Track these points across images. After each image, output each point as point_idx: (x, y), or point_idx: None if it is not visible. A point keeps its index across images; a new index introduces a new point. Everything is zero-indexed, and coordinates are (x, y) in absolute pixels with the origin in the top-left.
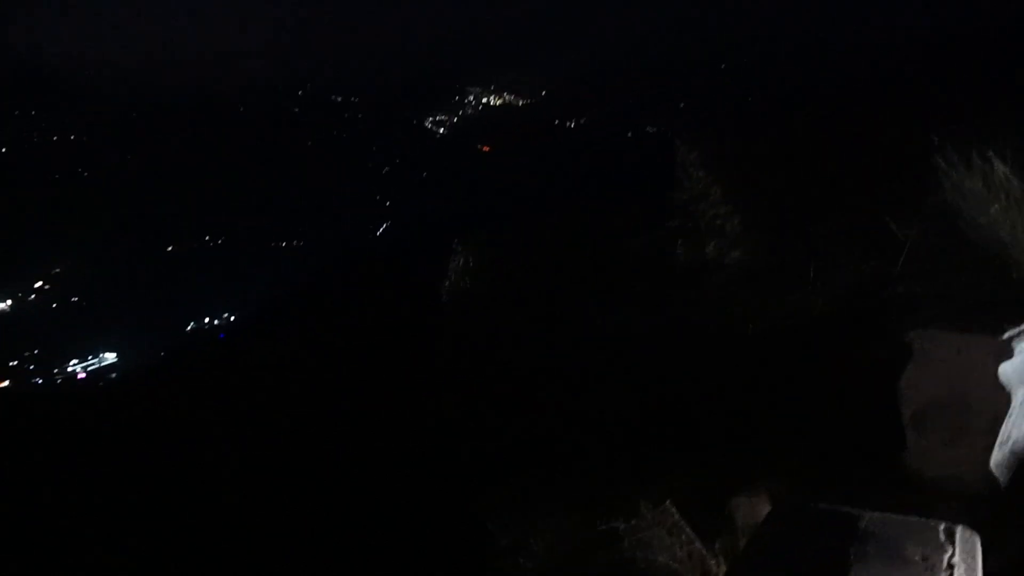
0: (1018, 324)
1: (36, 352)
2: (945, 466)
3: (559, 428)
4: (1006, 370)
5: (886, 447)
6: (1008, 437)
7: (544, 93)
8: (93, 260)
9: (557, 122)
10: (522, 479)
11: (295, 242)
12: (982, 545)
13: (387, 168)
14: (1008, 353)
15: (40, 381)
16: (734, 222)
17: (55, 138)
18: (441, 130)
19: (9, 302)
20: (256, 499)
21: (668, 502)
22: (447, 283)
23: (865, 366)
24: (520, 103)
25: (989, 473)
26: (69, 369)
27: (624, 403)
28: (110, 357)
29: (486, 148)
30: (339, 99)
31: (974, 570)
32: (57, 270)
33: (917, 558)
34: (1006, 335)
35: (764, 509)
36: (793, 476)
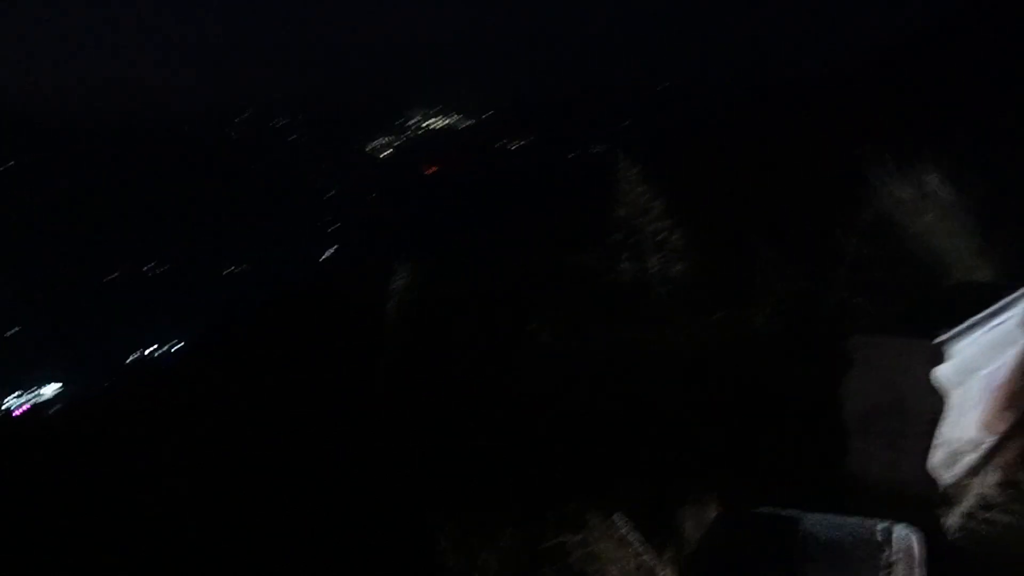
0: (951, 328)
1: None
2: (886, 467)
3: (507, 443)
4: (941, 373)
5: (829, 451)
6: (945, 438)
7: (487, 114)
8: (31, 291)
9: (501, 142)
10: (472, 494)
11: (239, 268)
12: (922, 542)
13: (331, 192)
14: (942, 356)
15: None
16: (676, 235)
17: None
18: (385, 153)
19: None
20: (203, 525)
21: (617, 514)
22: (390, 304)
23: (806, 373)
24: (463, 125)
25: (928, 473)
26: (8, 403)
27: (570, 416)
28: (52, 389)
29: (430, 170)
30: (280, 123)
31: (912, 567)
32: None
33: (857, 556)
34: (940, 339)
35: (712, 517)
36: (740, 483)
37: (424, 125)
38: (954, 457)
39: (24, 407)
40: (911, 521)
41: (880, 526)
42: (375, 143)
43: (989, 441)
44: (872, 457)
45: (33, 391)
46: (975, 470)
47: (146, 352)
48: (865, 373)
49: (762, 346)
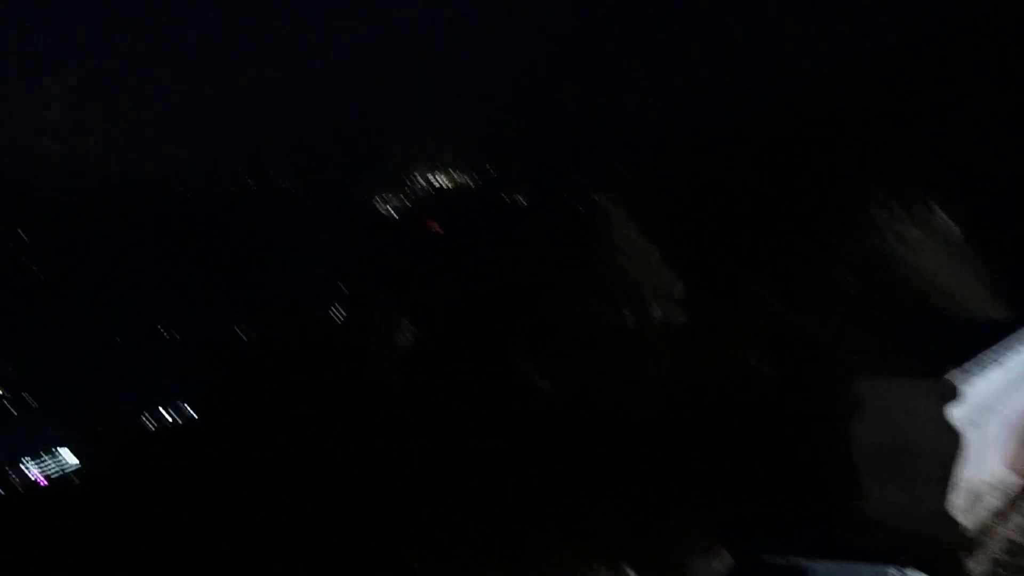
0: (963, 365)
1: None
2: (901, 511)
3: (511, 492)
4: (955, 412)
5: (839, 495)
6: (964, 480)
7: (490, 169)
8: (46, 357)
9: (505, 196)
10: (476, 545)
11: (249, 327)
12: None
13: (338, 251)
14: (954, 394)
15: None
16: (673, 279)
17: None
18: (391, 211)
19: None
20: None
21: (625, 565)
22: (392, 358)
23: (816, 417)
24: (467, 181)
25: (947, 517)
26: (25, 471)
27: (576, 466)
28: (66, 457)
29: (436, 227)
30: (287, 184)
31: None
32: (9, 369)
33: None
34: (951, 377)
35: (723, 565)
36: (751, 530)
37: (428, 182)
38: (976, 499)
39: (40, 471)
40: (930, 567)
41: (892, 572)
42: (379, 200)
43: (1015, 483)
44: (885, 501)
45: (48, 456)
46: (1001, 513)
47: (157, 412)
48: (874, 414)
49: (771, 392)
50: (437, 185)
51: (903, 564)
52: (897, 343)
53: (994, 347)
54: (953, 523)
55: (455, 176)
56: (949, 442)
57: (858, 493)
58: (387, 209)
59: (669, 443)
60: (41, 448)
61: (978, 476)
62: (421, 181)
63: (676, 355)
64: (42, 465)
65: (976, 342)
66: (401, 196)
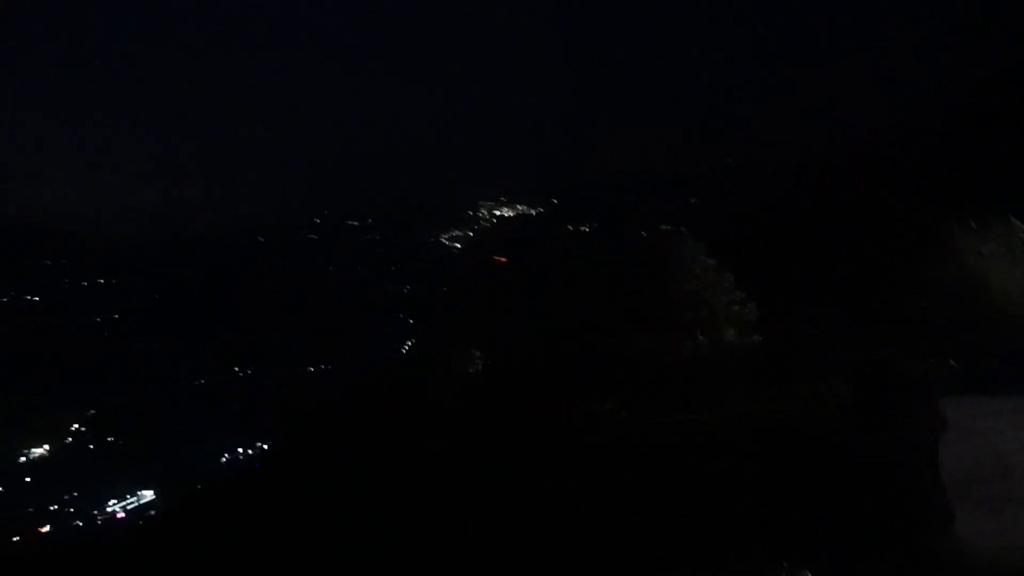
0: None
1: (75, 495)
2: (992, 535)
3: (583, 526)
4: None
5: (931, 521)
6: None
7: (555, 200)
8: (126, 399)
9: (570, 226)
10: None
11: (323, 366)
12: None
13: (407, 287)
14: None
15: (80, 524)
16: (750, 307)
17: (84, 283)
18: (457, 245)
19: (47, 447)
20: None
21: None
22: (458, 390)
23: (902, 440)
24: (533, 212)
25: None
26: (108, 510)
27: (649, 499)
28: (148, 495)
29: (503, 259)
30: (355, 223)
31: None
32: (92, 412)
33: None
34: None
35: None
36: (838, 555)
37: (494, 215)
38: None
39: (124, 512)
40: None
41: None
42: (447, 236)
43: None
44: (975, 524)
45: (129, 499)
46: None
47: (237, 451)
48: (961, 436)
49: (854, 415)
50: (502, 216)
51: None
52: (983, 364)
53: None
54: None
55: (520, 208)
56: None
57: (946, 517)
58: (453, 243)
59: (746, 473)
60: (122, 488)
61: None
62: (486, 214)
63: (752, 383)
64: (123, 505)
65: None
66: (466, 229)
